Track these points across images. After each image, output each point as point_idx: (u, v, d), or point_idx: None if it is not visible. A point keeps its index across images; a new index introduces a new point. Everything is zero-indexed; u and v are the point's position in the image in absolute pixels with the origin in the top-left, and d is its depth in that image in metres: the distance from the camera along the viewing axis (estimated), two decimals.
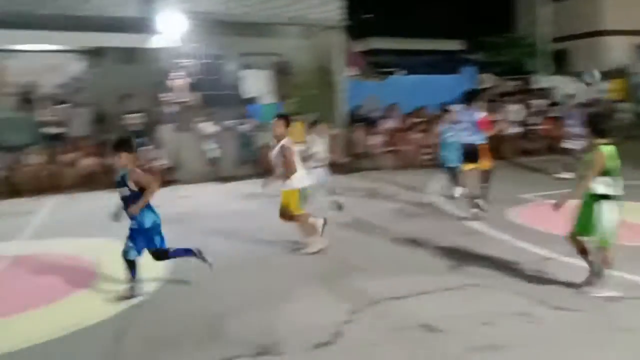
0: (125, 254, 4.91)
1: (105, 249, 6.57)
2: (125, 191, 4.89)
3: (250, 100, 14.35)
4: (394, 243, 6.61)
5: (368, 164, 13.15)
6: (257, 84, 14.69)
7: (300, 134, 10.15)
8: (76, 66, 13.30)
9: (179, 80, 12.62)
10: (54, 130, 11.78)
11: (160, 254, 5.08)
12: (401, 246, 6.47)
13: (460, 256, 5.97)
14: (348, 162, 13.27)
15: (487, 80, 18.41)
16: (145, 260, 5.17)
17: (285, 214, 6.32)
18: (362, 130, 13.70)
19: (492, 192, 7.98)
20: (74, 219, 8.56)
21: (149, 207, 4.94)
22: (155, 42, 11.97)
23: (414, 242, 6.56)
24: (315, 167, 8.09)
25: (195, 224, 8.04)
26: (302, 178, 6.26)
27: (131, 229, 4.93)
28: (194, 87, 12.95)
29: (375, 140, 13.41)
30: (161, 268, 5.76)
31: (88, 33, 11.41)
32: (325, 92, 14.32)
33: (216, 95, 13.30)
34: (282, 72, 14.98)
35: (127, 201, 4.91)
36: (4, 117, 11.88)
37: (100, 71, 13.05)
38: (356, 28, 16.24)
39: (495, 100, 16.17)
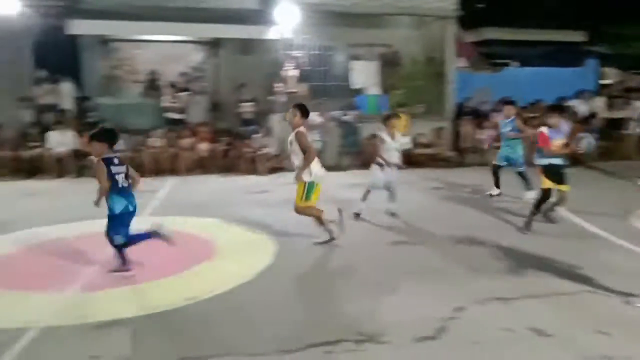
0: (111, 241, 5.24)
1: (220, 229, 7.01)
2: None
3: (359, 91, 14.44)
4: (504, 242, 6.37)
5: (475, 159, 12.74)
6: (365, 75, 14.74)
7: (404, 127, 10.03)
8: (196, 56, 14.15)
9: (291, 71, 13.00)
10: (175, 115, 12.60)
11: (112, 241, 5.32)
12: (511, 246, 6.24)
13: (577, 261, 5.64)
14: (454, 156, 12.98)
15: (611, 74, 17.10)
16: (252, 241, 5.39)
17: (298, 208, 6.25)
18: (470, 123, 13.29)
19: (613, 199, 7.39)
20: (189, 200, 9.15)
21: (120, 194, 5.21)
22: (270, 33, 12.39)
23: (524, 243, 6.31)
24: (380, 165, 7.46)
25: None
26: (313, 171, 6.07)
27: (108, 216, 5.25)
28: (303, 77, 13.28)
29: (485, 135, 12.94)
30: (267, 251, 6.03)
31: (208, 25, 12.05)
32: (434, 84, 14.05)
33: (324, 86, 13.55)
34: (390, 63, 14.89)
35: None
36: (132, 102, 12.95)
37: (218, 61, 13.80)
38: (469, 18, 15.66)
39: (621, 97, 15.04)
